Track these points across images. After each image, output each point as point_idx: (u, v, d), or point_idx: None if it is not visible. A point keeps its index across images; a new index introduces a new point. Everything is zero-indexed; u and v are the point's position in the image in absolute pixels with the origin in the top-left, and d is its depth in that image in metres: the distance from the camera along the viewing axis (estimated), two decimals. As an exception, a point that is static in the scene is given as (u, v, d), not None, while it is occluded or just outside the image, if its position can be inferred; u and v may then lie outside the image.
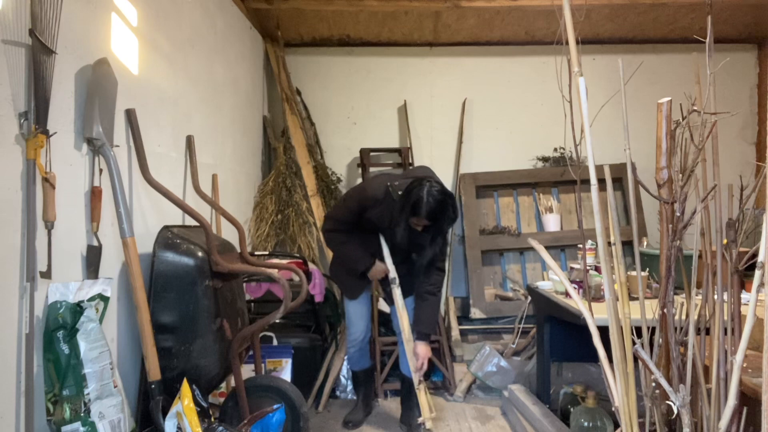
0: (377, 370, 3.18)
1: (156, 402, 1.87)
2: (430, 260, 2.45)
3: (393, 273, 2.57)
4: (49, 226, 1.58)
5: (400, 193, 2.31)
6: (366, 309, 2.74)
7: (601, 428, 2.28)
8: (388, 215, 2.36)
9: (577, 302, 1.39)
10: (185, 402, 1.77)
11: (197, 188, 2.63)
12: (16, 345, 1.49)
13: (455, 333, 3.89)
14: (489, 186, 4.48)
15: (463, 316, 4.17)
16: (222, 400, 2.43)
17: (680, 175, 1.39)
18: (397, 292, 2.58)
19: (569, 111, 1.31)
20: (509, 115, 4.60)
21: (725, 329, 1.34)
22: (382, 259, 2.57)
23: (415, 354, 2.51)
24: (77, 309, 1.63)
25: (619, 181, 4.34)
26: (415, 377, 2.51)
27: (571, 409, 2.44)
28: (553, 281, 2.79)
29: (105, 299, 1.77)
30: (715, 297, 1.38)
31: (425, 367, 2.51)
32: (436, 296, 2.54)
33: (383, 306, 2.72)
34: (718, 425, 1.24)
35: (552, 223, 4.33)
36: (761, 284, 1.14)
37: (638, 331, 1.38)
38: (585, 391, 2.44)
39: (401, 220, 2.29)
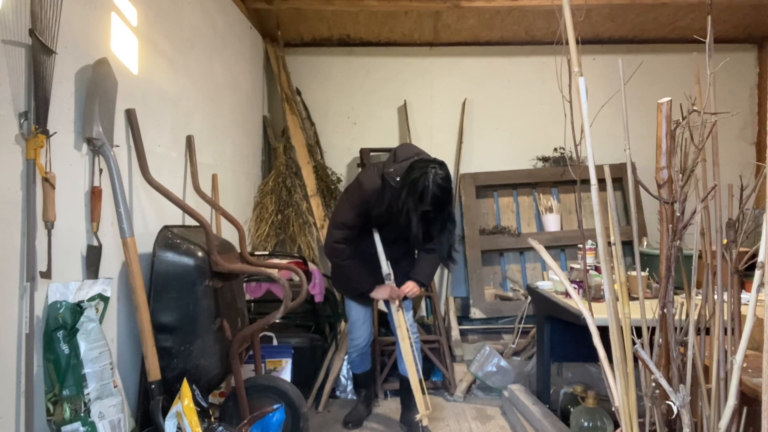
0: (377, 371, 3.18)
1: (156, 402, 1.87)
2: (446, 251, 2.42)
3: (387, 269, 2.54)
4: (49, 226, 1.58)
5: (398, 179, 2.26)
6: (369, 314, 2.73)
7: (601, 428, 2.28)
8: (396, 206, 2.27)
9: (577, 302, 1.39)
10: (185, 402, 1.77)
11: (197, 188, 2.63)
12: (16, 345, 1.49)
13: (455, 333, 3.89)
14: (489, 186, 4.48)
15: (463, 316, 4.18)
16: (222, 400, 2.43)
17: (680, 175, 1.39)
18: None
19: (569, 111, 1.31)
20: (509, 115, 4.60)
21: (725, 329, 1.34)
22: (382, 282, 2.55)
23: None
24: (77, 309, 1.64)
25: (619, 181, 4.34)
26: (396, 303, 2.53)
27: (571, 409, 2.44)
28: (553, 281, 2.79)
29: (105, 299, 1.77)
30: (715, 297, 1.38)
31: (403, 295, 2.53)
32: (437, 258, 2.51)
33: (382, 305, 2.71)
34: (718, 425, 1.24)
35: (552, 223, 4.34)
36: (761, 284, 1.14)
37: (638, 331, 1.38)
38: (585, 391, 2.44)
39: (411, 210, 2.21)
